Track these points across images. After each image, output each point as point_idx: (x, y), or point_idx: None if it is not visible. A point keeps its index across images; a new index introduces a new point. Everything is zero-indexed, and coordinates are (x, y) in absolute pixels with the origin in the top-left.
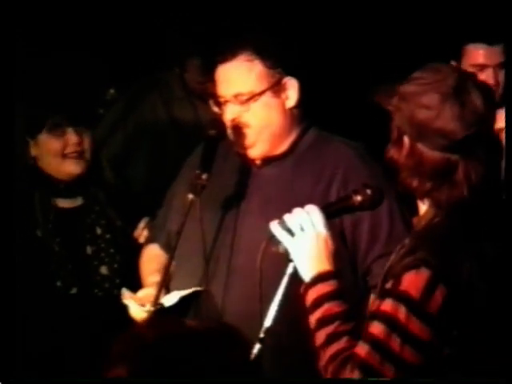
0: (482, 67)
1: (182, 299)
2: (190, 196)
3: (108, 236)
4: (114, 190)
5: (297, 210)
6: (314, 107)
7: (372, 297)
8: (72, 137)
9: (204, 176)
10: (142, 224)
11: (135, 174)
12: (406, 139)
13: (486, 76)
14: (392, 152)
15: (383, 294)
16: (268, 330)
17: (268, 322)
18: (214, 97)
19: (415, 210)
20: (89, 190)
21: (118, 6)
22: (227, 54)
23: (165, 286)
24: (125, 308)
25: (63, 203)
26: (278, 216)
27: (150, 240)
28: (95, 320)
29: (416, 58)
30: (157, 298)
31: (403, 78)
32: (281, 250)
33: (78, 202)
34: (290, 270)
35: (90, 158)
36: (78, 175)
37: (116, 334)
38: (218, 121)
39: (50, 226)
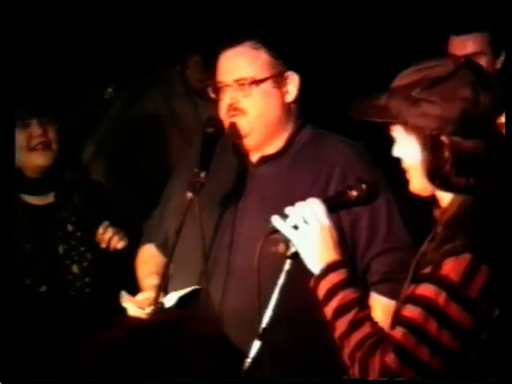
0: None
1: (181, 299)
2: (189, 194)
3: (79, 234)
4: (89, 187)
5: (298, 204)
6: (311, 105)
7: (372, 293)
8: (36, 129)
9: (202, 174)
10: (101, 229)
11: (136, 169)
12: (444, 138)
13: None
14: (430, 159)
15: (419, 280)
16: (266, 327)
17: (266, 319)
18: (214, 83)
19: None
20: (61, 187)
21: (117, 5)
22: (233, 41)
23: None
24: (96, 307)
25: (35, 200)
26: (276, 214)
27: (145, 240)
28: (66, 319)
29: (406, 52)
30: (156, 299)
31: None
32: (280, 249)
33: (49, 199)
34: (287, 266)
35: (57, 149)
36: (46, 167)
37: (87, 332)
38: (216, 119)
39: (20, 223)
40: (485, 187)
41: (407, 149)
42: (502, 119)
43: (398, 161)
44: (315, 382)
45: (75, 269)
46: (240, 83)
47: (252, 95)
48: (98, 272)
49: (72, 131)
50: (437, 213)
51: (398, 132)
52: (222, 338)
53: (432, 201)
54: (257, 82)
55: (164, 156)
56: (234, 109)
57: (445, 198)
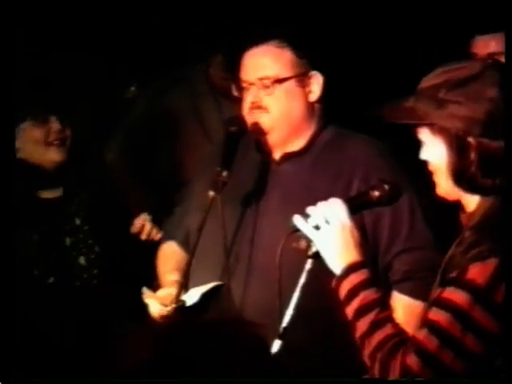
0: (495, 55)
1: (203, 295)
2: (211, 193)
3: (86, 227)
4: (101, 182)
5: (320, 204)
6: (335, 105)
7: (394, 291)
8: (55, 124)
9: (225, 173)
10: (140, 220)
11: (159, 166)
12: (470, 139)
13: None
14: (457, 161)
15: (446, 283)
16: (287, 326)
17: (287, 318)
18: (238, 81)
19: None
20: (70, 181)
21: (140, 4)
22: (258, 40)
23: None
24: (103, 299)
25: (45, 194)
26: (298, 212)
27: (166, 237)
28: (73, 310)
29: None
30: (178, 296)
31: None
32: (302, 245)
33: (59, 192)
34: (308, 266)
35: (70, 145)
36: (60, 163)
37: (92, 324)
38: (238, 118)
39: (29, 217)
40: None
41: (434, 151)
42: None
43: (423, 161)
44: (315, 381)
45: (82, 260)
46: (263, 82)
47: (275, 93)
48: (105, 264)
49: (85, 127)
50: (463, 218)
51: (424, 134)
52: (264, 341)
53: (458, 205)
54: (280, 81)
55: (187, 154)
56: (256, 107)
57: (471, 202)
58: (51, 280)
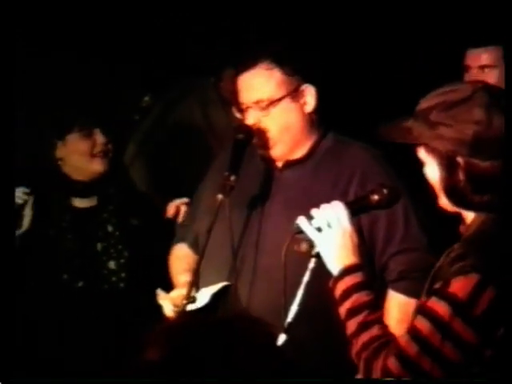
0: (486, 68)
1: (214, 296)
2: (220, 196)
3: (118, 233)
4: (130, 190)
5: (324, 206)
6: (332, 113)
7: (389, 290)
8: (100, 137)
9: (232, 178)
10: (173, 205)
11: (173, 171)
12: (459, 159)
13: (489, 75)
14: (447, 179)
15: (431, 293)
16: (291, 321)
17: (292, 314)
18: (236, 104)
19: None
20: (104, 191)
21: (154, 16)
22: (247, 64)
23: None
24: (129, 300)
25: (80, 203)
26: (299, 215)
27: (177, 240)
28: (101, 312)
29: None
30: (188, 294)
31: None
32: (303, 248)
33: (93, 201)
34: (311, 265)
35: (112, 157)
36: (103, 174)
37: (121, 325)
38: (245, 126)
39: (64, 225)
40: (502, 206)
41: (429, 169)
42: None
43: (416, 167)
44: (315, 382)
45: (112, 265)
46: (259, 104)
47: (272, 114)
48: (134, 268)
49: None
50: (462, 229)
51: (421, 153)
52: (271, 337)
53: (458, 216)
54: (274, 103)
55: (199, 160)
56: (257, 128)
57: (468, 216)
58: (80, 284)
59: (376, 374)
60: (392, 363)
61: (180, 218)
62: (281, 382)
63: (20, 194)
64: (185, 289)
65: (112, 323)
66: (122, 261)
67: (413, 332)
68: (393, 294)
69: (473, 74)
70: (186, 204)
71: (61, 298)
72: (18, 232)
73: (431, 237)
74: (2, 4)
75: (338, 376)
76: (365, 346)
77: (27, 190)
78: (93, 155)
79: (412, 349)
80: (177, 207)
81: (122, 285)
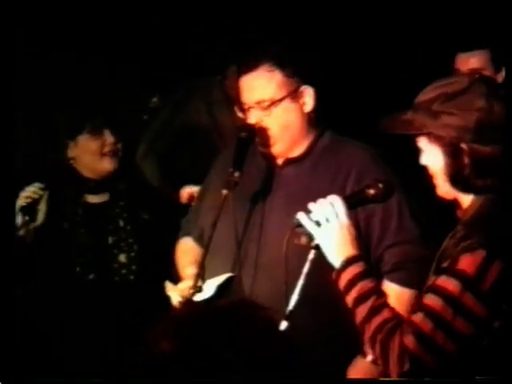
0: (475, 71)
1: (219, 287)
2: (224, 191)
3: (129, 227)
4: (141, 187)
5: (321, 201)
6: (329, 113)
7: (385, 281)
8: (109, 137)
9: (236, 174)
10: (185, 191)
11: (181, 170)
12: (463, 145)
13: None
14: (452, 165)
15: (439, 272)
16: (292, 309)
17: (293, 302)
18: (239, 104)
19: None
20: (115, 187)
21: (160, 18)
22: (250, 65)
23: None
24: (139, 292)
25: (92, 199)
26: (299, 210)
27: (183, 234)
28: (112, 303)
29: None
30: (195, 284)
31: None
32: (302, 241)
33: (105, 197)
34: (311, 256)
35: (121, 156)
36: (112, 172)
37: (130, 316)
38: (248, 125)
39: (77, 219)
40: (502, 188)
41: (432, 157)
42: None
43: (409, 164)
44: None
45: (123, 258)
46: (261, 104)
47: (273, 114)
48: (143, 262)
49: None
50: (459, 213)
51: (422, 143)
52: (274, 322)
53: (455, 203)
54: (275, 103)
55: (205, 157)
56: (259, 127)
57: (466, 200)
58: (91, 276)
59: (393, 353)
60: (409, 341)
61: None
62: (284, 382)
63: (35, 190)
64: (191, 280)
65: (122, 315)
66: (133, 254)
67: (426, 310)
68: (388, 284)
69: None
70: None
71: (73, 290)
72: (34, 225)
73: (424, 230)
74: (11, 4)
75: (337, 358)
76: (379, 328)
77: (42, 186)
78: (103, 154)
79: (427, 325)
80: (190, 194)
81: (132, 277)
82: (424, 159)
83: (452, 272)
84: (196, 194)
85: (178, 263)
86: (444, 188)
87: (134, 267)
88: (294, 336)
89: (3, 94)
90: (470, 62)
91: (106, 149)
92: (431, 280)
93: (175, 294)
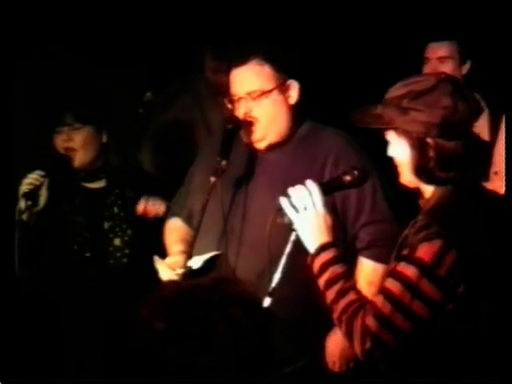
0: (443, 59)
1: (206, 262)
2: (213, 179)
3: (122, 214)
4: (135, 176)
5: (300, 188)
6: (310, 104)
7: (360, 257)
8: (104, 131)
9: (224, 162)
10: (142, 202)
11: (175, 160)
12: (429, 140)
13: (446, 66)
14: (418, 158)
15: (399, 258)
16: (275, 287)
17: (276, 279)
18: (228, 95)
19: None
20: (111, 175)
21: (156, 15)
22: (241, 60)
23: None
24: (131, 273)
25: (90, 185)
26: (281, 193)
27: (171, 214)
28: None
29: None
30: (185, 263)
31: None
32: (286, 220)
33: (102, 183)
34: (293, 237)
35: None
36: (105, 164)
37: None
38: (235, 117)
39: (76, 202)
40: (463, 181)
41: (399, 149)
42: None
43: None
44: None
45: (117, 242)
46: (251, 95)
47: (262, 104)
48: (136, 245)
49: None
50: (421, 202)
51: (391, 136)
52: (257, 296)
53: (417, 192)
54: (265, 93)
55: (195, 147)
56: (248, 117)
57: (427, 190)
58: (87, 254)
59: (356, 332)
60: (370, 321)
61: (150, 215)
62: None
63: (37, 177)
64: (178, 256)
65: (116, 295)
66: (126, 238)
67: (386, 293)
68: (363, 260)
69: (431, 65)
70: (146, 200)
71: (72, 267)
72: (36, 209)
73: (395, 210)
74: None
75: (316, 330)
76: (344, 309)
77: (42, 173)
78: (96, 147)
79: (386, 308)
80: (145, 207)
81: (125, 260)
82: (391, 151)
83: (411, 259)
84: (149, 207)
85: (165, 241)
86: (407, 177)
87: (127, 251)
88: (276, 305)
89: (3, 87)
90: (440, 51)
91: (101, 142)
92: (392, 265)
93: (164, 267)
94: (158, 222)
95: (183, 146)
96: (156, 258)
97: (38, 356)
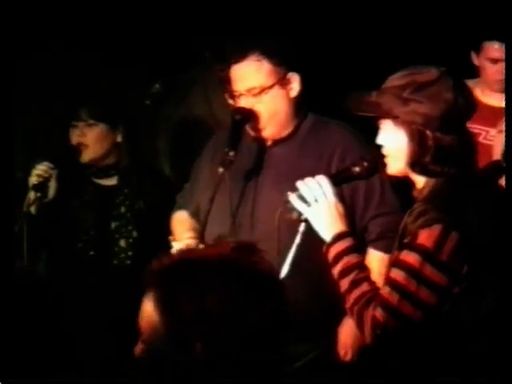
0: (496, 61)
1: None
2: (221, 169)
3: (129, 215)
4: (145, 177)
5: (310, 181)
6: (312, 96)
7: (370, 249)
8: (115, 129)
9: (232, 153)
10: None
11: (181, 161)
12: (428, 132)
13: (497, 68)
14: (415, 149)
15: (401, 247)
16: (284, 277)
17: (284, 271)
18: (229, 91)
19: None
20: (122, 174)
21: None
22: (239, 56)
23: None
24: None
25: (101, 181)
26: (289, 187)
27: (177, 208)
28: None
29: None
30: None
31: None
32: (294, 215)
33: (113, 181)
34: (301, 228)
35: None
36: (115, 162)
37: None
38: (242, 108)
39: (87, 198)
40: (456, 173)
41: (394, 139)
42: (501, 127)
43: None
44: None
45: (122, 243)
46: (251, 91)
47: (263, 100)
48: (140, 248)
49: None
50: (415, 193)
51: (387, 125)
52: (274, 269)
53: (408, 182)
54: (265, 89)
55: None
56: (250, 112)
57: (419, 181)
58: (92, 253)
59: (367, 323)
60: (379, 313)
61: None
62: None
63: (45, 168)
64: (188, 241)
65: (117, 295)
66: (131, 240)
67: (391, 283)
68: (372, 251)
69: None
70: None
71: (75, 264)
72: (45, 201)
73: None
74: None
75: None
76: (356, 300)
77: (51, 165)
78: (107, 145)
79: (393, 298)
80: None
81: (128, 262)
82: (383, 139)
83: (412, 246)
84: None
85: (174, 231)
86: (398, 166)
87: (130, 253)
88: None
89: (3, 87)
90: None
91: (112, 140)
92: (395, 255)
93: (179, 243)
94: (163, 226)
95: (199, 146)
96: (171, 239)
97: (38, 356)
